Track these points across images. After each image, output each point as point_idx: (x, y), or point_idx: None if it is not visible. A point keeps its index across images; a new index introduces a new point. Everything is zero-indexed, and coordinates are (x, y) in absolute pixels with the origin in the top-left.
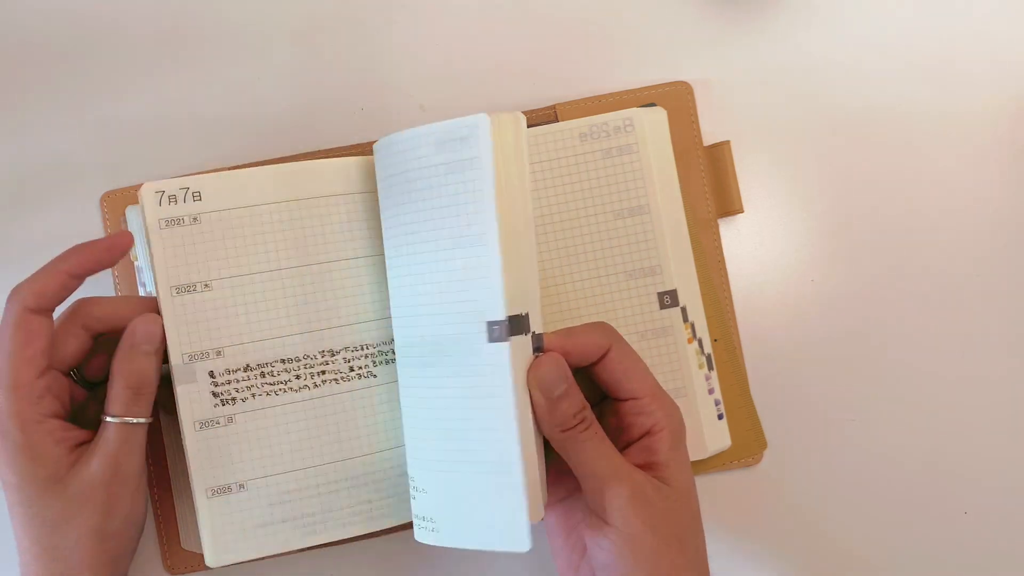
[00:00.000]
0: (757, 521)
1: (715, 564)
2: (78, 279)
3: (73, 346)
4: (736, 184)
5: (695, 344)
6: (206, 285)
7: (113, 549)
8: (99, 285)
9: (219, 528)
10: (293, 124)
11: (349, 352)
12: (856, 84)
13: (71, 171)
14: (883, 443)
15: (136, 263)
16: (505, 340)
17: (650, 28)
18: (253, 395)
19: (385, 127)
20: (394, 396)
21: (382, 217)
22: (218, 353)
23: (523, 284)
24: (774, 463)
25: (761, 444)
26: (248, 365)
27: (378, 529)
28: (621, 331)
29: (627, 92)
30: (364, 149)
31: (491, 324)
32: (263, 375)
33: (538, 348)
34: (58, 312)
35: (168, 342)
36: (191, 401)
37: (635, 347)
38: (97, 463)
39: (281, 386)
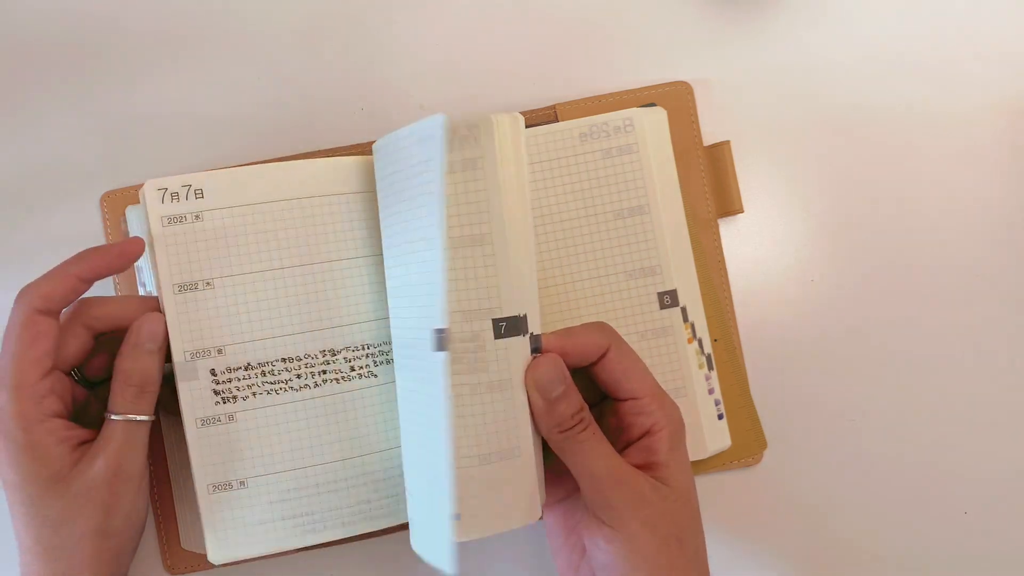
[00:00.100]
0: (757, 521)
1: (715, 564)
2: (87, 283)
3: (74, 346)
4: (736, 184)
5: (695, 344)
6: (208, 283)
7: (114, 548)
8: (99, 284)
9: (220, 524)
10: (293, 124)
11: (350, 352)
12: (856, 84)
13: (71, 171)
14: (883, 443)
15: (136, 262)
16: (513, 336)
17: (650, 28)
18: (254, 393)
19: (385, 127)
20: (394, 396)
21: (381, 216)
22: (219, 351)
23: (521, 285)
24: (774, 463)
25: (761, 444)
26: (249, 363)
27: (378, 529)
28: (621, 331)
29: (627, 92)
30: (364, 149)
31: (497, 322)
32: (264, 374)
33: (536, 349)
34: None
35: (170, 340)
36: (193, 398)
37: (635, 347)
38: (100, 462)
39: (282, 385)
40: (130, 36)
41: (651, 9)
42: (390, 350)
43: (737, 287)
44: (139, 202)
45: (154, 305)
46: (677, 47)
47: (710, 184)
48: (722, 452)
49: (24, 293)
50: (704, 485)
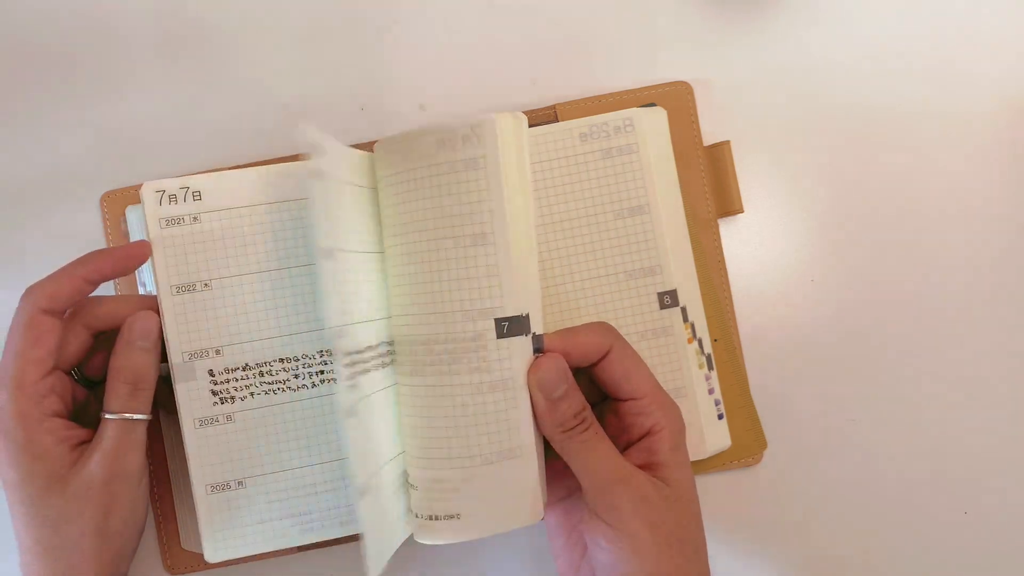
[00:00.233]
0: (757, 521)
1: (715, 564)
2: (92, 284)
3: (74, 344)
4: (736, 184)
5: (695, 344)
6: (206, 284)
7: (114, 548)
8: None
9: (218, 524)
10: (293, 124)
11: (375, 348)
12: (856, 84)
13: (71, 171)
14: (883, 443)
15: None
16: (515, 336)
17: (650, 28)
18: (252, 394)
19: (385, 127)
20: (393, 396)
21: (382, 216)
22: (217, 352)
23: (524, 284)
24: (774, 463)
25: (761, 444)
26: (247, 364)
27: None
28: (621, 331)
29: (627, 92)
30: (364, 149)
31: (499, 321)
32: (262, 374)
33: (538, 349)
34: None
35: (168, 341)
36: (191, 399)
37: (635, 347)
38: (97, 461)
39: (280, 385)
40: (130, 37)
41: (651, 9)
42: (389, 350)
43: (737, 287)
44: (139, 202)
45: (153, 304)
46: (677, 47)
47: (710, 184)
48: (722, 452)
49: (29, 292)
50: (704, 485)
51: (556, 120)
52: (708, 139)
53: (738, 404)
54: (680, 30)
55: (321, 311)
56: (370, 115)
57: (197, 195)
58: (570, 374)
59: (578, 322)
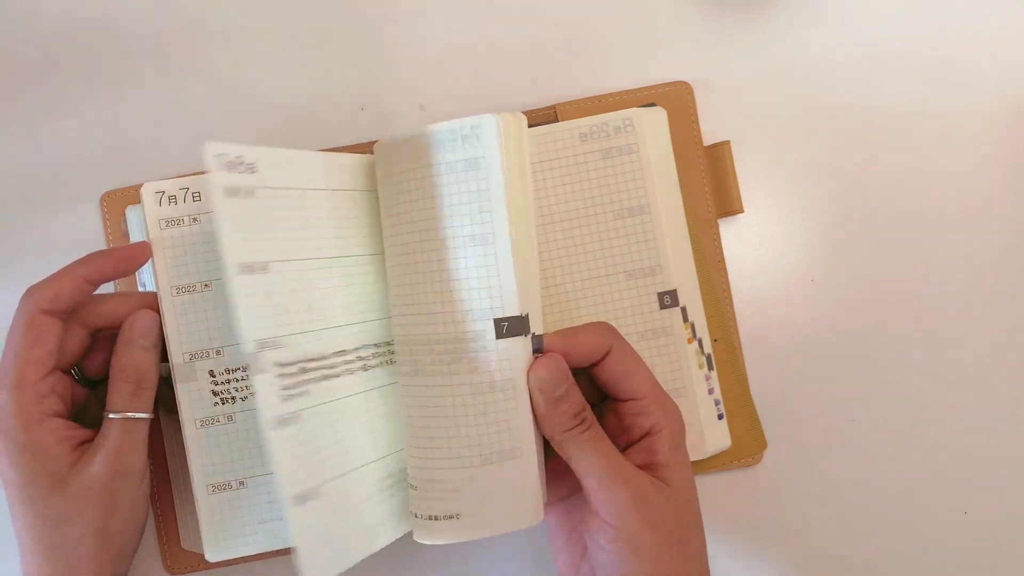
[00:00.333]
0: (757, 521)
1: (715, 564)
2: (93, 285)
3: (72, 343)
4: (736, 184)
5: (695, 344)
6: (206, 285)
7: (115, 548)
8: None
9: (218, 523)
10: (293, 124)
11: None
12: (856, 84)
13: (71, 171)
14: (883, 443)
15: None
16: (515, 336)
17: (650, 28)
18: (252, 394)
19: (385, 127)
20: (394, 396)
21: (383, 216)
22: (218, 352)
23: (523, 285)
24: (774, 463)
25: (761, 444)
26: (247, 364)
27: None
28: (621, 331)
29: (627, 92)
30: (364, 149)
31: (499, 322)
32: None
33: (538, 349)
34: None
35: (169, 341)
36: (192, 399)
37: (635, 347)
38: (99, 460)
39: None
40: (129, 37)
41: (651, 9)
42: (391, 350)
43: (737, 287)
44: (139, 202)
45: (152, 301)
46: (677, 47)
47: (710, 184)
48: (722, 452)
49: (30, 293)
50: (704, 485)
51: (556, 120)
52: (708, 139)
53: (738, 404)
54: (680, 30)
55: (240, 327)
56: (370, 115)
57: (197, 196)
58: (570, 374)
59: (578, 322)
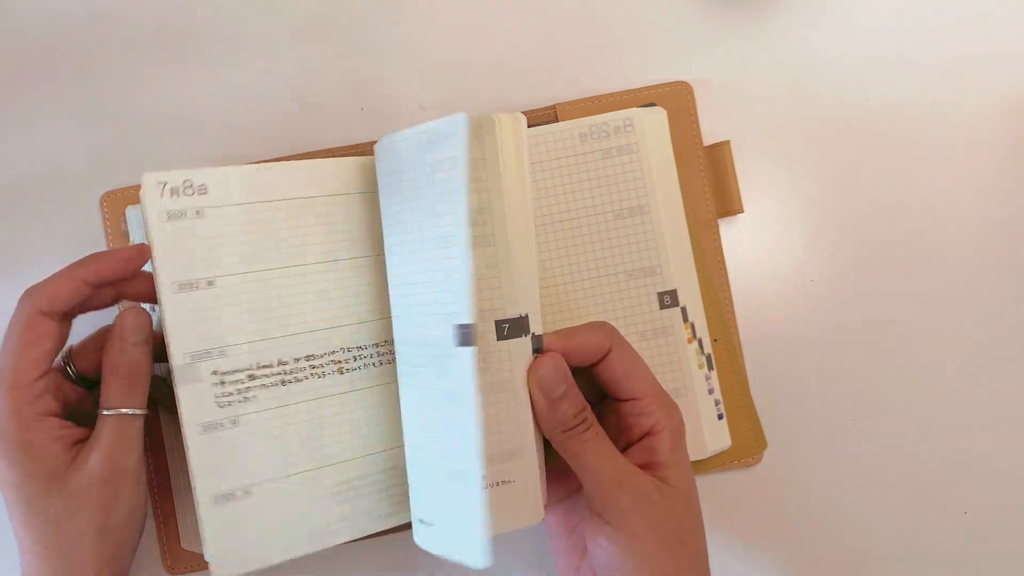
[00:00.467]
0: (757, 521)
1: (715, 564)
2: (92, 287)
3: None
4: (736, 184)
5: (695, 344)
6: (209, 282)
7: (115, 546)
8: None
9: (224, 537)
10: (293, 124)
11: (353, 351)
12: (856, 84)
13: (71, 171)
14: (883, 443)
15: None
16: (515, 337)
17: (650, 28)
18: (257, 396)
19: (385, 127)
20: (397, 396)
21: (383, 216)
22: (222, 352)
23: (523, 285)
24: (774, 463)
25: (761, 444)
26: (252, 365)
27: (386, 528)
28: (621, 331)
29: (627, 92)
30: (364, 149)
31: (499, 323)
32: (268, 375)
33: (538, 349)
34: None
35: (170, 341)
36: (194, 403)
37: (635, 347)
38: (95, 458)
39: (287, 387)
40: (130, 37)
41: (651, 9)
42: (378, 352)
43: (737, 287)
44: (139, 202)
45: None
46: (677, 47)
47: (710, 184)
48: (722, 452)
49: (29, 294)
50: (704, 485)
51: (556, 120)
52: (708, 139)
53: (738, 404)
54: (680, 30)
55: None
56: (370, 115)
57: (202, 189)
58: (570, 374)
59: (578, 322)
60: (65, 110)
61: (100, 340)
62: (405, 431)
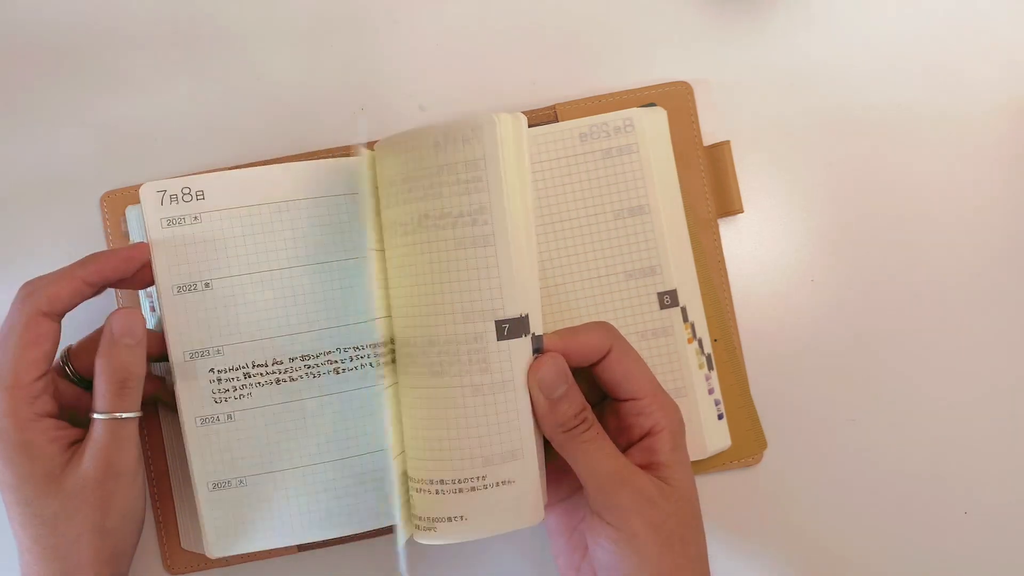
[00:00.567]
0: (757, 521)
1: (715, 564)
2: (92, 287)
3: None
4: (736, 184)
5: (695, 344)
6: (207, 284)
7: (113, 546)
8: None
9: (219, 521)
10: (293, 124)
11: (349, 351)
12: (856, 84)
13: (71, 171)
14: (883, 443)
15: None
16: (515, 337)
17: (650, 28)
18: (252, 393)
19: (385, 127)
20: (394, 396)
21: (383, 215)
22: (218, 351)
23: (523, 285)
24: (774, 463)
25: (761, 444)
26: (248, 363)
27: (376, 528)
28: (621, 331)
29: (627, 92)
30: (364, 149)
31: (499, 323)
32: (263, 373)
33: (538, 349)
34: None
35: (169, 340)
36: (192, 398)
37: (635, 347)
38: (88, 460)
39: (280, 384)
40: (131, 37)
41: (651, 9)
42: (390, 350)
43: (737, 287)
44: (139, 202)
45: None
46: (677, 47)
47: (710, 184)
48: (722, 452)
49: (30, 293)
50: (704, 485)
51: (556, 120)
52: (708, 139)
53: (738, 404)
54: (680, 30)
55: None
56: (370, 115)
57: (200, 194)
58: (570, 374)
59: (578, 322)
60: (66, 110)
61: (99, 340)
62: (411, 433)
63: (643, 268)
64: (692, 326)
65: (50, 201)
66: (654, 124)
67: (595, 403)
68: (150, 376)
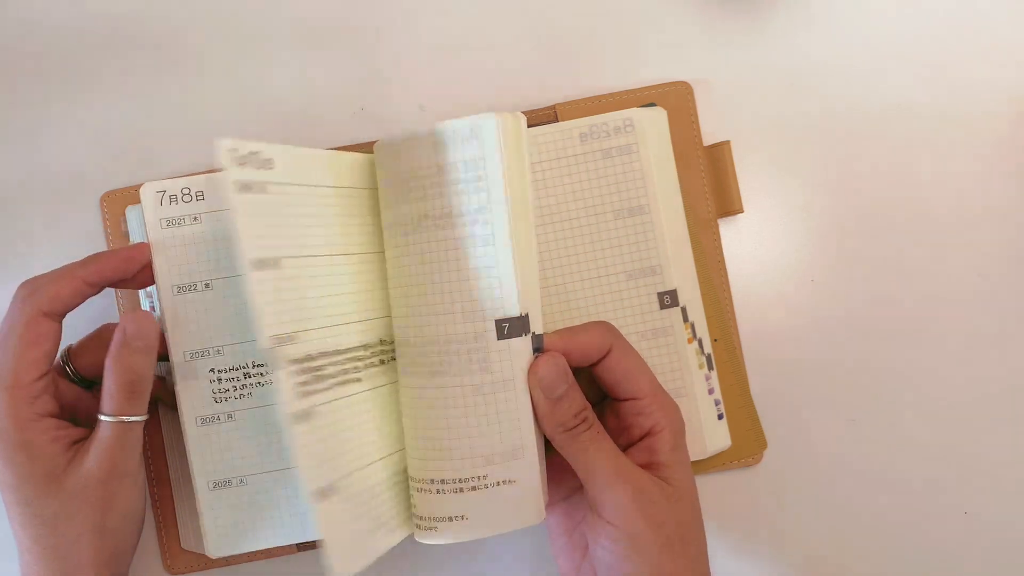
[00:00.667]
0: (757, 521)
1: (715, 564)
2: (93, 287)
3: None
4: (736, 184)
5: (695, 344)
6: (207, 284)
7: (113, 546)
8: None
9: (220, 520)
10: (293, 124)
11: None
12: (856, 84)
13: (72, 171)
14: (883, 443)
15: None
16: (515, 336)
17: (650, 28)
18: (252, 393)
19: (385, 127)
20: (393, 396)
21: (383, 216)
22: (218, 351)
23: (524, 285)
24: (774, 463)
25: (761, 444)
26: (248, 363)
27: None
28: (621, 331)
29: (627, 92)
30: (364, 149)
31: (500, 322)
32: (263, 373)
33: (538, 349)
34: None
35: (169, 340)
36: (192, 398)
37: (635, 347)
38: (92, 461)
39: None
40: (130, 37)
41: (651, 9)
42: (390, 350)
43: (737, 287)
44: (139, 202)
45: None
46: (677, 47)
47: (710, 184)
48: (722, 452)
49: (31, 293)
50: (704, 485)
51: (556, 120)
52: (708, 139)
53: (738, 404)
54: (680, 30)
55: (256, 322)
56: (370, 115)
57: (200, 195)
58: (570, 373)
59: (578, 322)
60: (66, 110)
61: (99, 340)
62: (412, 432)
63: (643, 268)
64: (692, 326)
65: (50, 201)
66: (654, 124)
67: (595, 403)
68: None
